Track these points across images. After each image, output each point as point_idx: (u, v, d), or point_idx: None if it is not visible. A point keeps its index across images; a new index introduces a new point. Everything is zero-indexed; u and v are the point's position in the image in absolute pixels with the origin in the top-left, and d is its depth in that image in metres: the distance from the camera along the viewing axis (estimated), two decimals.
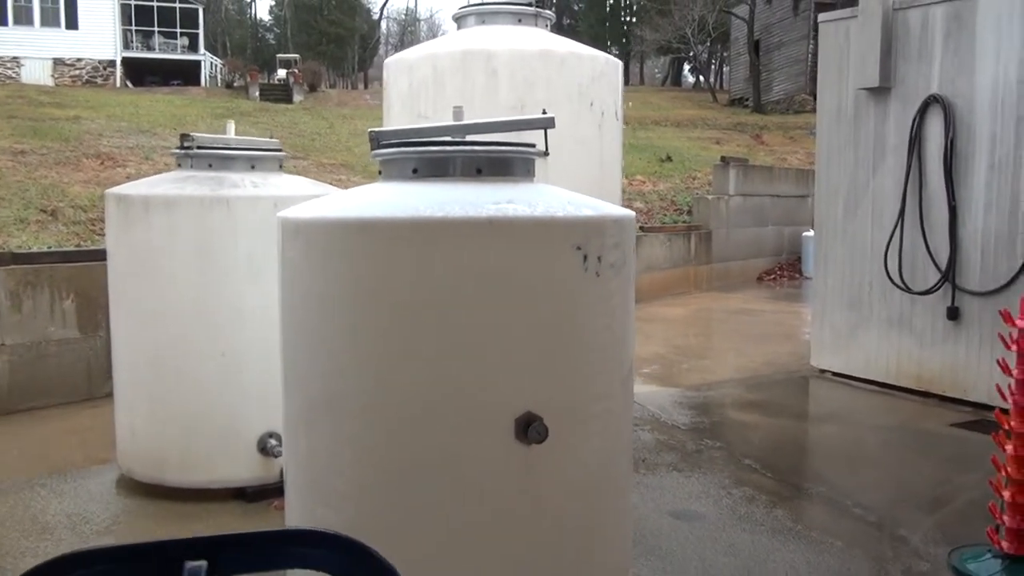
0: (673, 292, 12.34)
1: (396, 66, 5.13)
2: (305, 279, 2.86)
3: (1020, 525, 3.50)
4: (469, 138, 3.11)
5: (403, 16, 60.08)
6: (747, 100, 32.13)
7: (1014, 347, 3.54)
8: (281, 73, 35.47)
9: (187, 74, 33.85)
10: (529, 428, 2.66)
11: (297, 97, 28.84)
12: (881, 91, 6.85)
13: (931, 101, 6.49)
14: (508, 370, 2.68)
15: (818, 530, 4.02)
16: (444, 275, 2.64)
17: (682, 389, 6.95)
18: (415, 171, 2.97)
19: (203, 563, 0.91)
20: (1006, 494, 3.53)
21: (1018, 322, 3.53)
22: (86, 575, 0.95)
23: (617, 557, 3.09)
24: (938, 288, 6.44)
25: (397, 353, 2.68)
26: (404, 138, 3.13)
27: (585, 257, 2.78)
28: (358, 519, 2.73)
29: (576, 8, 49.09)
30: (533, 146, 3.14)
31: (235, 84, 32.24)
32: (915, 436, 5.66)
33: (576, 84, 4.79)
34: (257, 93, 28.77)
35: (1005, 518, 3.54)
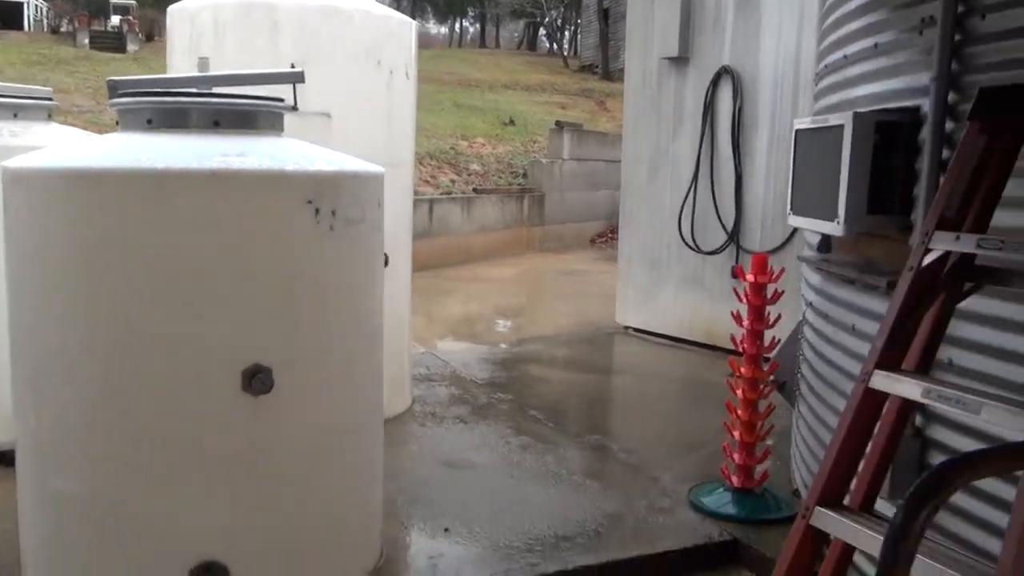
0: (506, 253, 12.57)
1: (178, 15, 4.94)
2: (26, 232, 2.77)
3: (747, 462, 3.85)
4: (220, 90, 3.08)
5: None
6: (596, 67, 32.74)
7: (745, 300, 3.87)
8: (115, 20, 33.25)
9: (9, 17, 31.19)
10: (254, 379, 2.69)
11: (132, 46, 27.14)
12: (680, 61, 7.19)
13: (723, 72, 6.87)
14: (236, 323, 2.70)
15: (580, 474, 4.26)
16: (167, 227, 2.62)
17: (490, 346, 7.14)
18: (150, 122, 2.92)
19: None
20: (736, 434, 3.87)
21: (748, 277, 3.85)
22: None
23: (361, 510, 3.18)
24: (725, 249, 6.89)
25: (123, 308, 2.64)
26: (143, 88, 3.05)
27: (317, 211, 2.81)
28: (91, 483, 2.69)
29: None
30: (282, 100, 3.13)
31: (62, 30, 30.02)
32: (695, 387, 6.06)
33: (364, 42, 4.77)
34: (87, 40, 26.91)
35: (736, 456, 3.88)
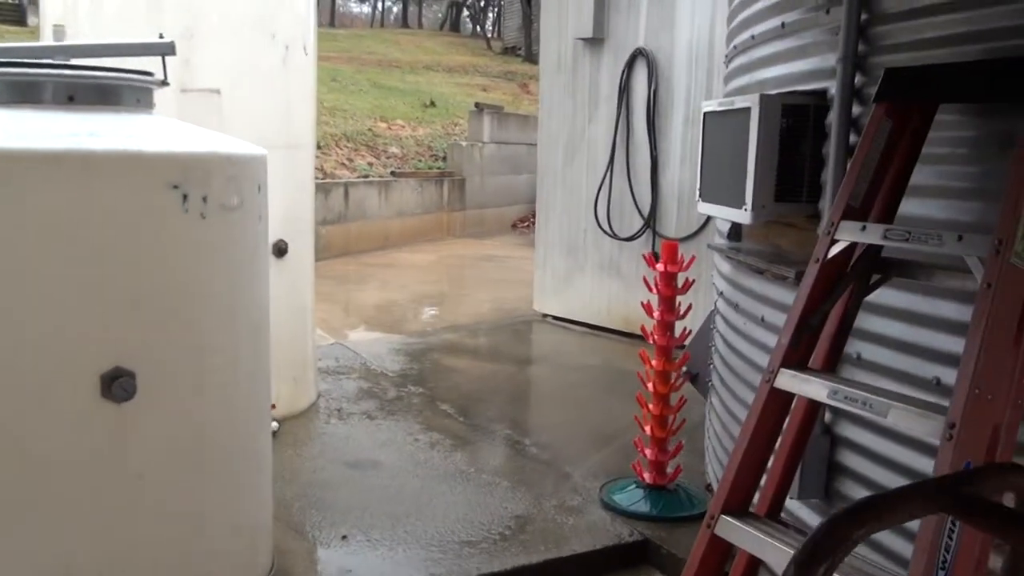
0: (425, 238, 12.31)
1: None
2: None
3: (659, 457, 3.73)
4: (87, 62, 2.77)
5: None
6: (519, 49, 32.53)
7: (656, 290, 3.73)
8: None
9: None
10: (114, 384, 2.42)
11: (33, 19, 25.76)
12: (595, 42, 7.04)
13: (638, 54, 6.74)
14: (91, 322, 2.43)
15: (490, 472, 4.09)
16: (6, 214, 2.32)
17: (404, 336, 6.91)
18: None
19: None
20: (647, 429, 3.75)
21: (658, 266, 3.71)
22: None
23: (245, 522, 2.94)
24: (641, 234, 6.79)
25: None
26: None
27: (185, 197, 2.55)
28: None
29: None
30: (151, 74, 2.84)
31: None
32: (612, 376, 5.94)
33: (256, 13, 4.46)
34: None
35: (647, 451, 3.75)
